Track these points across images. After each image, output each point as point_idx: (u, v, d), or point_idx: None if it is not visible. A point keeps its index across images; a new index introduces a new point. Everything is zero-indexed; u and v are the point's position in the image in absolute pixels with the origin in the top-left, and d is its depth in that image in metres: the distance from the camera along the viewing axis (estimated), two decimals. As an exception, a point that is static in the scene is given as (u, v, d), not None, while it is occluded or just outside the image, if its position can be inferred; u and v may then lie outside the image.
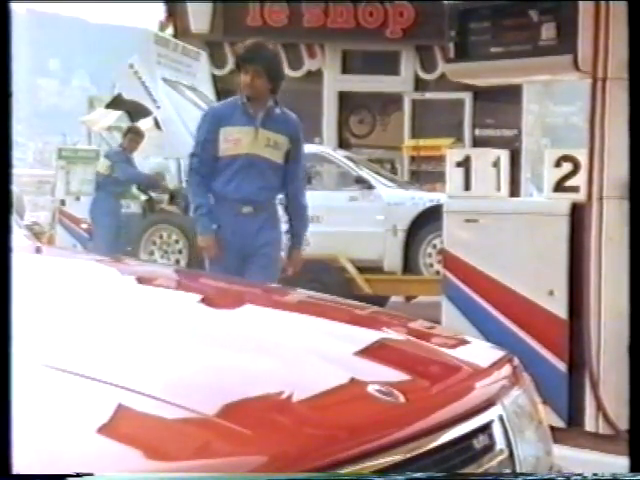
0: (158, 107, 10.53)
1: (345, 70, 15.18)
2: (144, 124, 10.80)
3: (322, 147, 11.74)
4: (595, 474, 1.45)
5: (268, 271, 5.07)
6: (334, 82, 15.04)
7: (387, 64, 15.07)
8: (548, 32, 4.51)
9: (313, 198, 9.73)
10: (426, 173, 14.13)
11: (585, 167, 4.50)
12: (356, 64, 15.27)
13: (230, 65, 14.90)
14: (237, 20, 14.60)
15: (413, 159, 14.50)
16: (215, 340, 1.93)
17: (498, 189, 4.86)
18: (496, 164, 4.85)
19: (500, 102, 14.30)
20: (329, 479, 1.44)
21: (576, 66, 4.42)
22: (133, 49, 10.68)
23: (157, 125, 10.76)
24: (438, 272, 9.63)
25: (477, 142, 14.30)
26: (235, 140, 5.03)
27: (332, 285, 8.88)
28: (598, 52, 4.31)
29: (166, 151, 11.06)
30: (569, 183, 4.68)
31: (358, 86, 14.96)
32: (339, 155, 10.27)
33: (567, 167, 4.69)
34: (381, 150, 15.35)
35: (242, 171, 5.01)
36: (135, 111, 11.06)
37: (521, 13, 4.61)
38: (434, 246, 9.23)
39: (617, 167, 4.36)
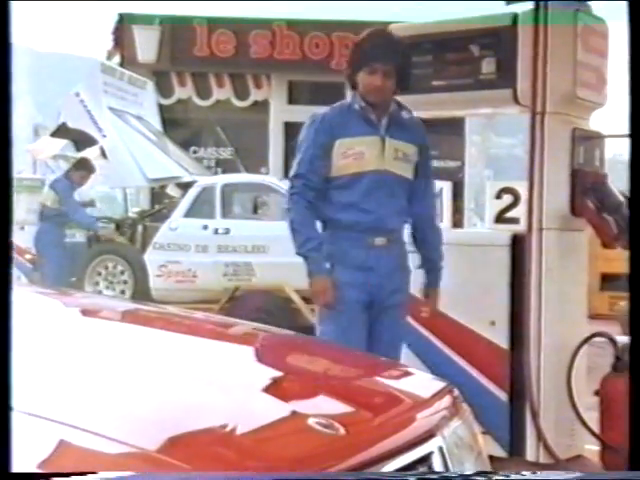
0: (104, 136, 10.48)
1: (291, 101, 15.27)
2: (90, 153, 10.73)
3: (268, 177, 11.79)
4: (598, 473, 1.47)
5: (401, 329, 4.16)
6: (280, 112, 15.11)
7: (333, 95, 15.12)
8: (488, 66, 4.59)
9: (259, 228, 9.87)
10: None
11: (525, 199, 4.58)
12: (302, 95, 15.36)
13: (177, 94, 14.95)
14: (184, 50, 14.65)
15: (359, 189, 14.58)
16: (157, 373, 1.94)
17: (441, 220, 4.91)
18: (439, 195, 4.91)
19: (443, 134, 14.44)
20: (330, 479, 1.45)
21: (516, 100, 4.51)
22: (79, 77, 10.63)
23: (103, 154, 10.71)
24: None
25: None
26: (357, 154, 4.02)
27: (278, 315, 8.89)
28: (537, 87, 4.40)
29: (112, 180, 11.01)
30: (510, 214, 4.76)
31: (304, 117, 14.93)
32: (285, 185, 10.30)
33: (508, 199, 4.77)
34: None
35: (370, 192, 4.02)
36: (80, 140, 11.00)
37: (462, 48, 4.70)
38: (379, 276, 9.26)
39: (556, 199, 4.46)
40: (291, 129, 15.25)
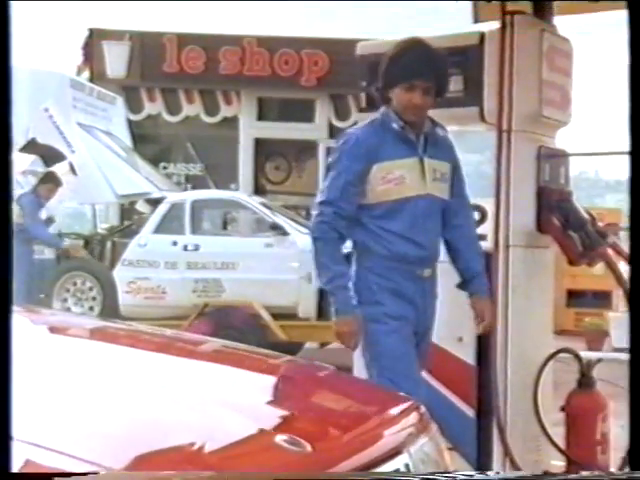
0: (73, 152, 10.44)
1: (261, 117, 15.30)
2: (59, 169, 10.69)
3: (237, 193, 11.80)
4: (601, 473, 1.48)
5: (426, 357, 3.98)
6: (250, 129, 15.14)
7: (302, 112, 15.24)
8: (456, 85, 4.62)
9: (228, 245, 9.87)
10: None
11: (492, 216, 4.62)
12: (272, 111, 15.40)
13: (147, 110, 14.93)
14: (154, 66, 14.64)
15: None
16: (127, 390, 1.95)
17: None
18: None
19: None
20: (330, 479, 1.47)
21: (482, 118, 4.55)
22: (48, 93, 10.58)
23: (72, 170, 10.66)
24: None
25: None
26: (398, 179, 3.71)
27: (247, 332, 8.89)
28: (503, 105, 4.44)
29: (81, 196, 10.97)
30: (477, 231, 4.79)
31: (274, 133, 15.08)
32: (254, 201, 10.32)
33: (474, 216, 4.81)
34: (297, 197, 15.45)
35: (416, 220, 3.74)
36: (49, 155, 10.95)
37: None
38: (348, 292, 9.28)
39: (522, 216, 4.50)
40: (261, 145, 15.30)
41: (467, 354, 4.56)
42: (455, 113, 4.66)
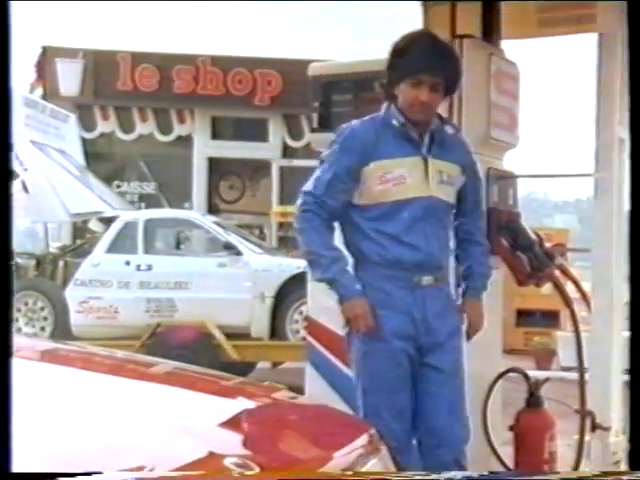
0: (25, 170, 10.36)
1: (215, 136, 15.31)
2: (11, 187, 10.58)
3: (191, 212, 11.79)
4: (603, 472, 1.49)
5: (459, 380, 3.65)
6: (204, 147, 15.14)
7: (256, 131, 15.28)
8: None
9: (182, 264, 9.86)
10: (294, 239, 14.26)
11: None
12: (226, 130, 15.42)
13: (100, 128, 14.88)
14: (107, 84, 14.62)
15: (281, 225, 14.65)
16: (77, 413, 1.95)
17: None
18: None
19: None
20: (331, 479, 1.47)
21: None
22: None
23: (24, 188, 10.58)
24: (304, 338, 9.73)
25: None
26: (397, 179, 3.45)
27: (200, 352, 8.87)
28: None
29: (33, 215, 10.88)
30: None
31: (228, 152, 15.10)
32: (208, 220, 10.33)
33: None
34: (250, 216, 15.46)
35: (415, 223, 3.47)
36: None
37: (381, 87, 4.79)
38: (300, 312, 9.33)
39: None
40: (215, 164, 15.30)
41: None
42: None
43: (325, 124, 4.87)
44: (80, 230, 12.74)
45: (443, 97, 3.56)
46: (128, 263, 9.69)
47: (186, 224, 10.29)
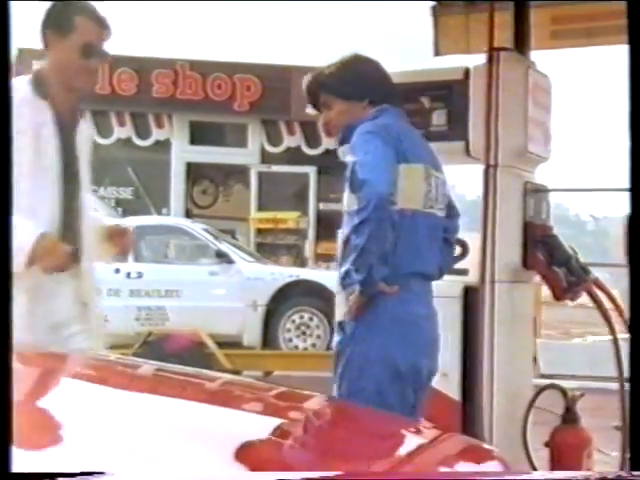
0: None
1: (193, 141, 15.18)
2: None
3: (181, 219, 11.67)
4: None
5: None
6: (182, 152, 15.01)
7: (234, 136, 15.19)
8: (439, 118, 4.63)
9: (172, 272, 9.73)
10: (272, 246, 14.24)
11: (475, 250, 4.62)
12: (204, 135, 15.29)
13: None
14: (84, 87, 14.40)
15: (259, 231, 14.57)
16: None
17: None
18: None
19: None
20: (330, 479, 1.45)
21: (467, 153, 4.56)
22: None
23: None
24: (297, 347, 9.67)
25: (321, 216, 14.54)
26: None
27: (191, 360, 8.74)
28: (490, 140, 4.45)
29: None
30: (458, 265, 4.78)
31: (206, 157, 14.98)
32: (198, 228, 10.22)
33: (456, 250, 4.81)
34: (224, 221, 15.36)
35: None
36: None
37: (412, 99, 4.72)
38: (293, 321, 9.25)
39: (508, 252, 4.51)
40: (193, 169, 15.18)
41: (452, 389, 4.54)
42: (439, 147, 4.66)
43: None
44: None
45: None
46: (118, 271, 9.55)
47: (176, 231, 10.17)
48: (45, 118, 3.22)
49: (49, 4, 3.31)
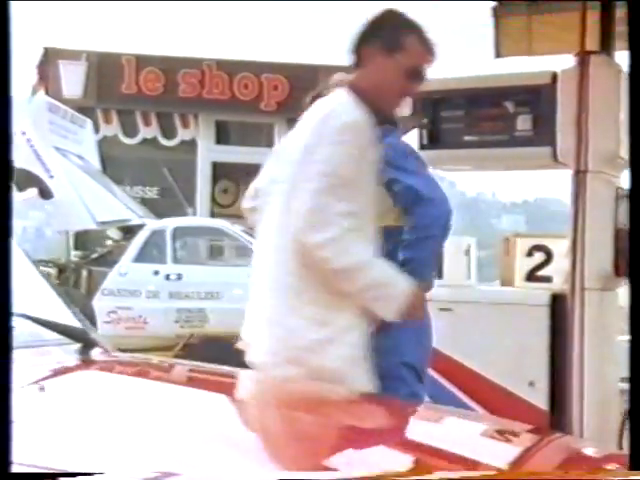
0: (51, 177, 10.08)
1: (219, 141, 15.09)
2: (27, 194, 10.29)
3: (221, 221, 11.56)
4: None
5: None
6: (208, 152, 14.92)
7: (261, 136, 15.09)
8: (524, 123, 4.55)
9: (212, 274, 9.64)
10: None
11: (561, 257, 4.55)
12: (230, 135, 15.21)
13: (102, 131, 14.60)
14: (111, 87, 14.34)
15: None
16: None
17: (468, 277, 4.84)
18: (468, 252, 4.84)
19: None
20: (330, 479, 1.44)
21: (555, 158, 4.48)
22: (25, 116, 10.17)
23: (42, 195, 10.27)
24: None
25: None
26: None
27: (233, 364, 8.67)
28: (581, 145, 4.37)
29: (58, 222, 10.59)
30: (542, 272, 4.71)
31: (232, 157, 14.88)
32: (237, 229, 10.13)
33: (539, 256, 4.73)
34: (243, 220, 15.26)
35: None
36: (23, 181, 10.56)
37: (495, 104, 4.65)
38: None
39: (598, 259, 4.42)
40: (219, 169, 15.09)
41: (539, 398, 4.46)
42: (524, 153, 4.60)
43: (435, 141, 4.73)
44: (94, 238, 12.40)
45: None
46: (157, 272, 9.48)
47: (216, 232, 10.09)
48: (370, 139, 2.98)
49: (376, 17, 3.05)
